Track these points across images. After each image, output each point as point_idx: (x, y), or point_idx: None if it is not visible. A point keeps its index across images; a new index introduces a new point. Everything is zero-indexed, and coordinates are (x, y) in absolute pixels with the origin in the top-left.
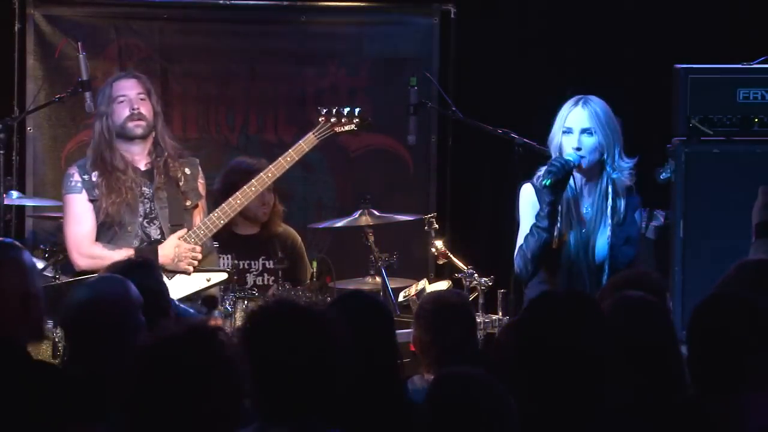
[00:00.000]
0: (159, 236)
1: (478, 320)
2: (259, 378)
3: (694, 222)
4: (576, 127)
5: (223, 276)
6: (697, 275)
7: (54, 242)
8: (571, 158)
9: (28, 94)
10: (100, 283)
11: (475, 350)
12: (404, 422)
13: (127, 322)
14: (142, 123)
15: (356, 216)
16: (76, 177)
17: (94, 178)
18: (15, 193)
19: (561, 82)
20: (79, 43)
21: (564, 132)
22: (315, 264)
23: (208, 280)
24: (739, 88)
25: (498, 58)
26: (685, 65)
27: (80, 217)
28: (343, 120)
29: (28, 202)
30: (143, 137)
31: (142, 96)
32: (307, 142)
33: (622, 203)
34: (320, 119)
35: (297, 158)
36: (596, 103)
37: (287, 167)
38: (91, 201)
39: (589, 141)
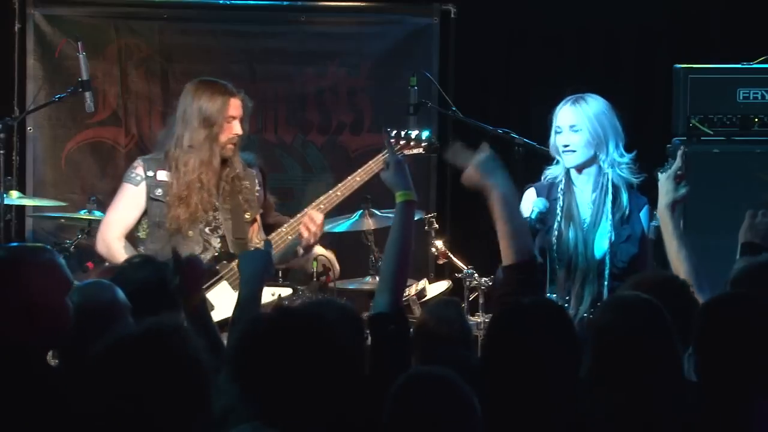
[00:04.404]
0: (220, 246)
1: (479, 320)
2: (257, 384)
3: (693, 221)
4: (565, 125)
5: (289, 291)
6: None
7: (54, 242)
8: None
9: (28, 94)
10: (87, 289)
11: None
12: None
13: (114, 327)
14: (234, 147)
15: (357, 217)
16: (139, 170)
17: (160, 177)
18: (15, 193)
19: (561, 82)
20: (79, 43)
21: (555, 132)
22: (315, 264)
23: (273, 295)
24: (739, 88)
25: (498, 57)
26: (685, 65)
27: (121, 206)
28: (412, 143)
29: (29, 202)
30: (229, 159)
31: (243, 119)
32: (376, 163)
33: (624, 199)
34: (391, 141)
35: (367, 179)
36: (588, 100)
37: (356, 187)
38: (153, 199)
39: (576, 138)
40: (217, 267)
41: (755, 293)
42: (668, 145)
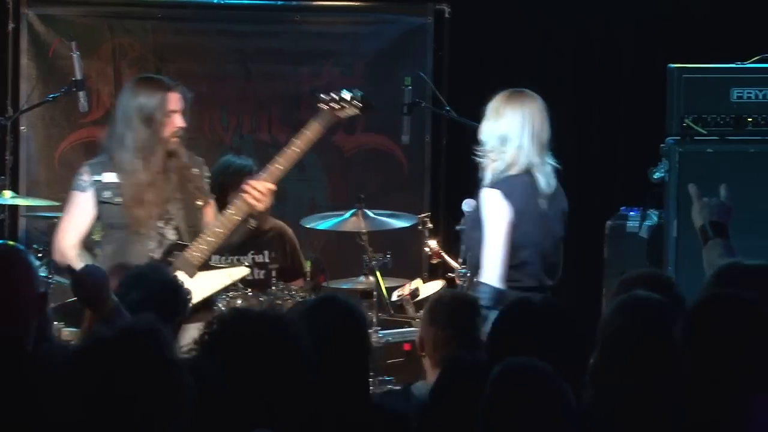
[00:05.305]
0: (175, 237)
1: None
2: (222, 387)
3: (687, 221)
4: None
5: (245, 271)
6: (690, 274)
7: (47, 242)
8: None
9: (22, 94)
10: None
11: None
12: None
13: None
14: (179, 140)
15: (347, 216)
16: (85, 176)
17: (106, 179)
18: (8, 193)
19: (555, 82)
20: (73, 43)
21: None
22: (309, 264)
23: (230, 276)
24: (732, 88)
25: (492, 57)
26: (679, 65)
27: (72, 214)
28: (345, 104)
29: (22, 202)
30: (174, 151)
31: (184, 111)
32: (312, 131)
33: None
34: (321, 106)
35: (306, 148)
36: (494, 97)
37: (297, 159)
38: (103, 202)
39: None
40: (169, 259)
41: (745, 292)
42: (662, 145)
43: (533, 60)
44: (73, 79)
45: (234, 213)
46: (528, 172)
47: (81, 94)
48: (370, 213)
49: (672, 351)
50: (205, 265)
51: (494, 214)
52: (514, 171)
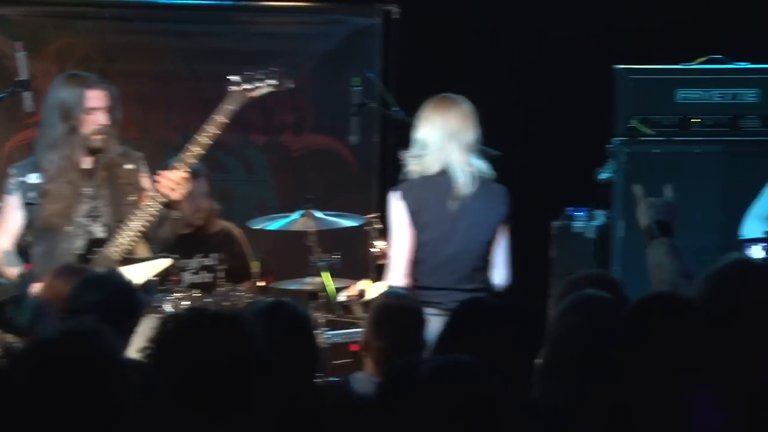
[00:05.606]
0: (104, 234)
1: None
2: (175, 385)
3: (634, 221)
4: None
5: (167, 263)
6: (636, 274)
7: None
8: None
9: None
10: None
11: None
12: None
13: None
14: (105, 137)
15: (295, 217)
16: (12, 179)
17: (31, 180)
18: None
19: (503, 83)
20: (18, 43)
21: None
22: (257, 265)
23: (152, 269)
24: (678, 89)
25: (441, 58)
26: (625, 66)
27: (2, 218)
28: (257, 84)
29: None
30: (101, 149)
31: (110, 108)
32: (223, 115)
33: None
34: (232, 88)
35: (217, 132)
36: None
37: (208, 144)
38: (28, 204)
39: None
40: (88, 256)
41: (678, 293)
42: (608, 146)
43: (480, 61)
44: (17, 79)
45: (150, 205)
46: (444, 173)
47: (27, 94)
48: (317, 213)
49: (621, 350)
50: (128, 260)
51: (392, 214)
52: (430, 172)
